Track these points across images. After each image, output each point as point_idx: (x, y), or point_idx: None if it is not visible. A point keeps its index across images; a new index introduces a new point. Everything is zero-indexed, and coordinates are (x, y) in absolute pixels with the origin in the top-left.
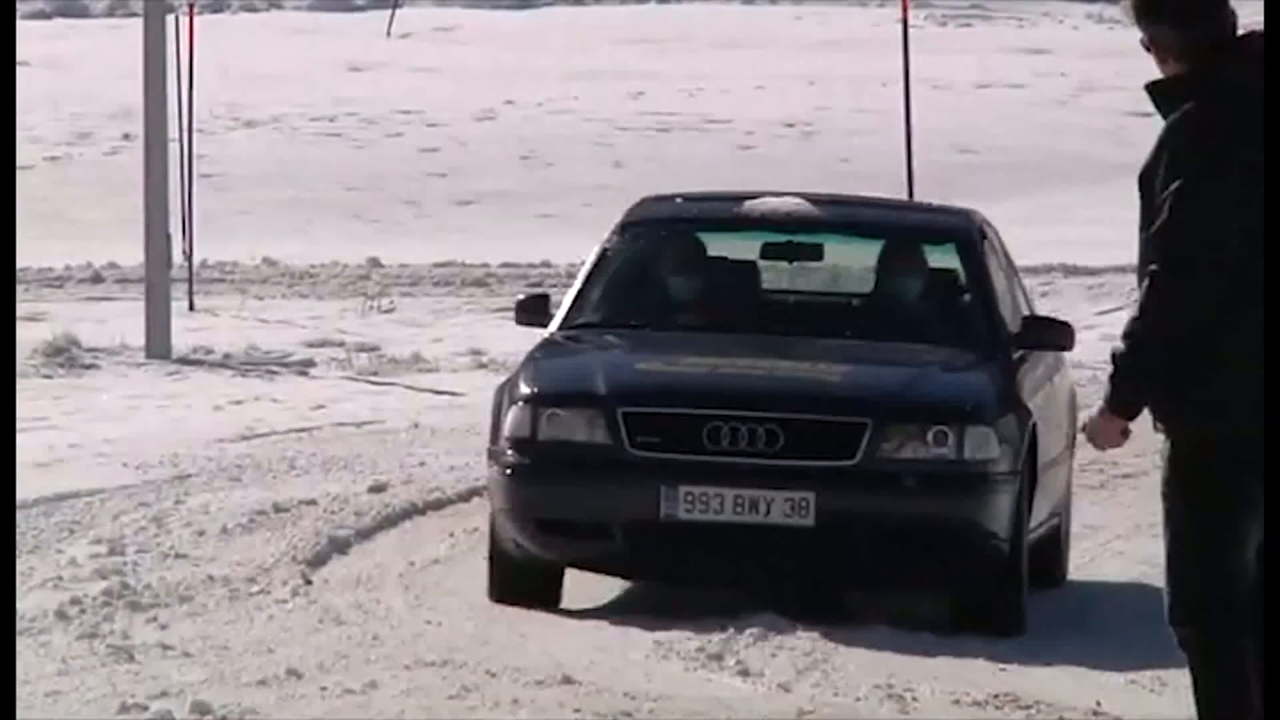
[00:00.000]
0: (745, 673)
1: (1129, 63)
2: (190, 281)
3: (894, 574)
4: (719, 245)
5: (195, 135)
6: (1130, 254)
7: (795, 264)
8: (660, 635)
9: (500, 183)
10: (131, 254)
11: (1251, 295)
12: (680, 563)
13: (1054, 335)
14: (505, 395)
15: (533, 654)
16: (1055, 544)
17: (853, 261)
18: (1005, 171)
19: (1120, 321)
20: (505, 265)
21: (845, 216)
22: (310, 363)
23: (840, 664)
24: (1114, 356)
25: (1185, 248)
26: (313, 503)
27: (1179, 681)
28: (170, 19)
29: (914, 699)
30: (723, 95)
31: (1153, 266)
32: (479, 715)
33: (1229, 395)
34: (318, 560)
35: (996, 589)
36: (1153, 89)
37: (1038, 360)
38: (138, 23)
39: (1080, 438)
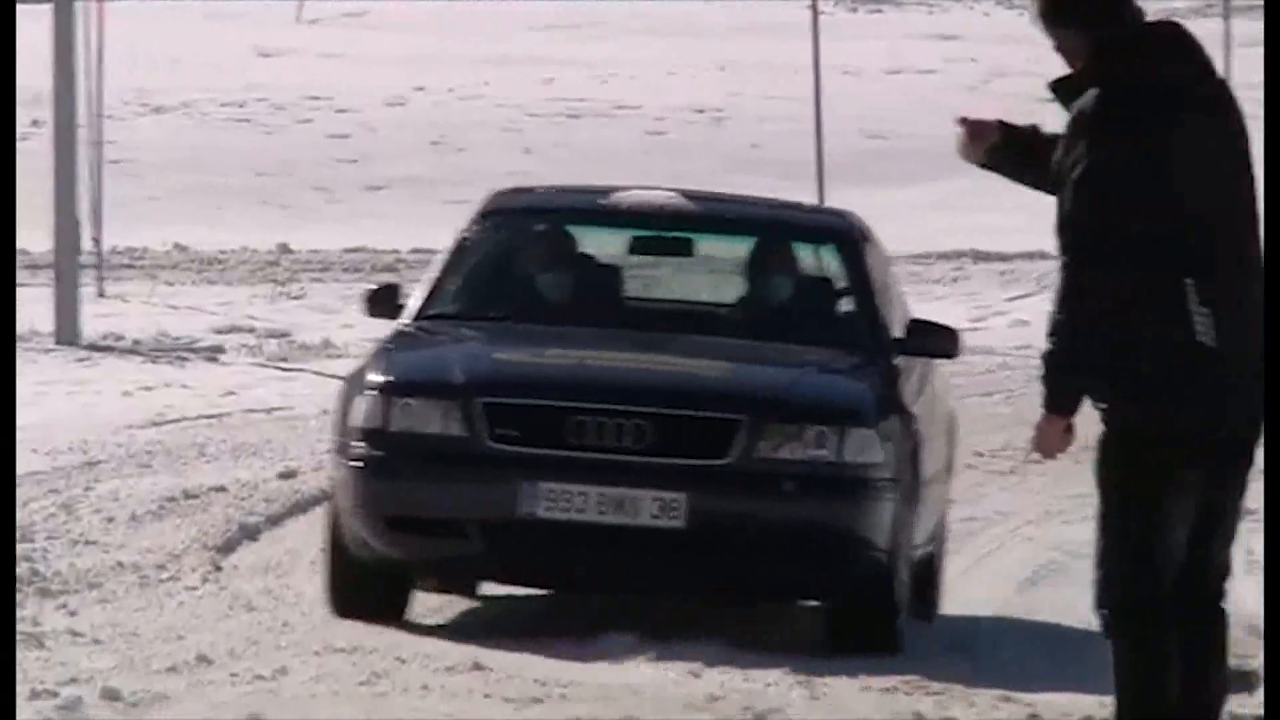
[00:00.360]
0: (656, 659)
1: (1040, 49)
2: (100, 267)
3: (768, 582)
4: (585, 239)
5: (104, 121)
6: (1041, 241)
7: (670, 259)
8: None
9: (410, 169)
10: (40, 240)
11: (1199, 273)
12: (539, 566)
13: (939, 341)
14: (353, 385)
15: (443, 640)
16: (931, 573)
17: (735, 261)
18: (916, 157)
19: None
20: (415, 251)
21: (719, 213)
22: (220, 349)
23: (750, 649)
24: (1043, 357)
25: (1091, 233)
26: (223, 489)
27: (1094, 665)
28: (80, 5)
29: (823, 684)
30: (633, 81)
31: (1063, 256)
32: (390, 701)
33: (1162, 378)
34: (228, 547)
35: (872, 603)
36: (1056, 86)
37: (920, 372)
38: (47, 9)
39: (958, 463)
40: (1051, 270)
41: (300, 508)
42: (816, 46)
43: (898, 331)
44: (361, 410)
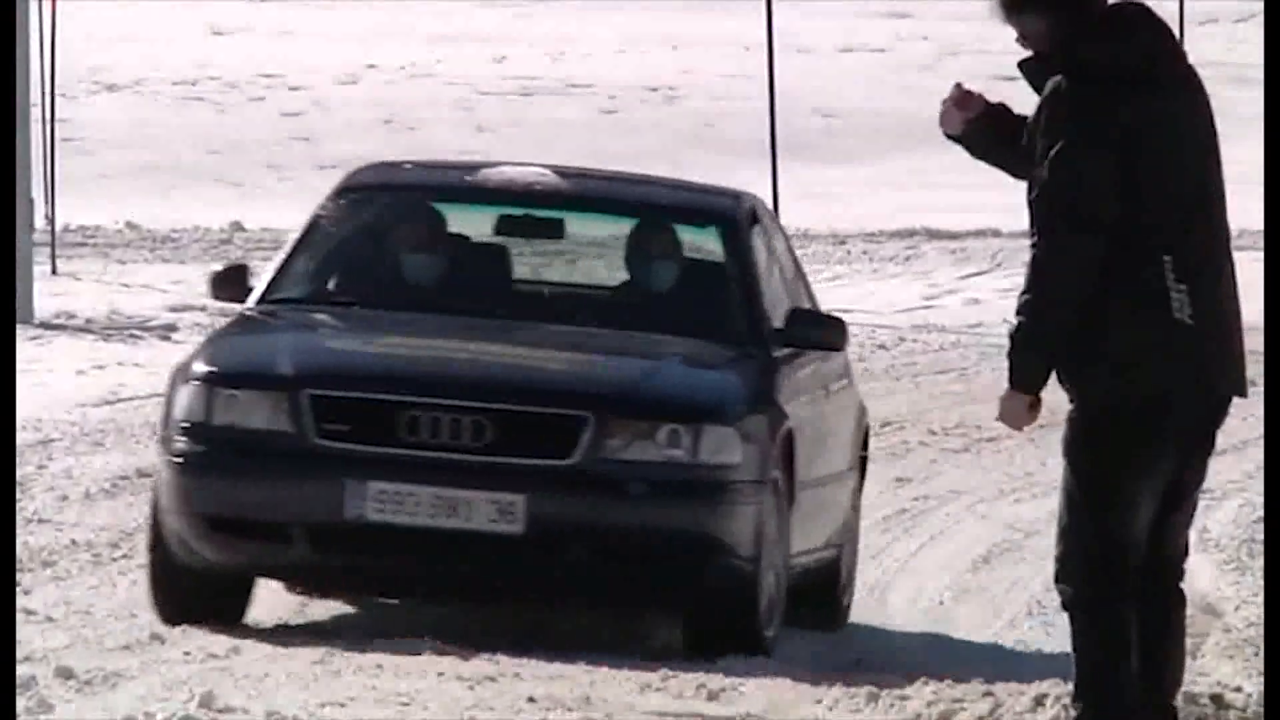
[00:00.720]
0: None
1: (992, 27)
2: (53, 245)
3: (616, 591)
4: (452, 219)
5: (57, 99)
6: (993, 219)
7: (541, 241)
8: None
9: (362, 147)
10: None
11: (1176, 250)
12: (368, 573)
13: (823, 332)
14: (178, 375)
15: (398, 619)
16: (832, 580)
17: (616, 245)
18: (868, 135)
19: (983, 286)
20: None
21: (593, 192)
22: (173, 327)
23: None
24: (1010, 334)
25: (1065, 212)
26: None
27: (1044, 645)
28: None
29: (775, 663)
30: (585, 59)
31: (1034, 236)
32: (344, 680)
33: (1133, 357)
34: None
35: (734, 615)
36: (1024, 66)
37: (812, 367)
38: None
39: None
40: (1003, 249)
41: None
42: (770, 24)
43: (782, 322)
44: (183, 402)
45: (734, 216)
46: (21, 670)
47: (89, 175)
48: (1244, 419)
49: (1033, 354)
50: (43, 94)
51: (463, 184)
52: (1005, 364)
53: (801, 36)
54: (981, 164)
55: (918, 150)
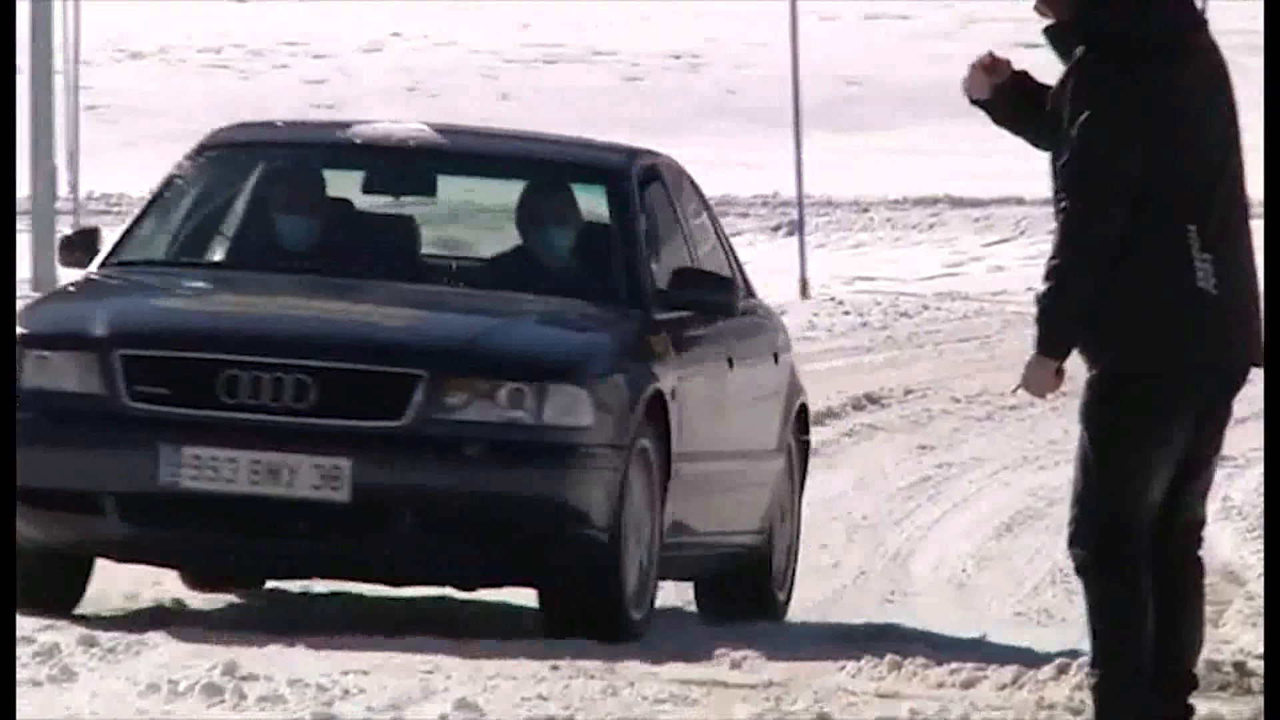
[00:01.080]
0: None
1: None
2: (76, 214)
3: (452, 564)
4: (320, 178)
5: (81, 67)
6: (1017, 187)
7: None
8: None
9: (386, 114)
10: (18, 186)
11: (1200, 220)
12: (183, 545)
13: (711, 291)
14: None
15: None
16: (758, 569)
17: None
18: (891, 103)
19: (1007, 253)
20: None
21: (469, 149)
22: None
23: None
24: (1038, 298)
25: (1092, 180)
26: None
27: (1066, 614)
28: None
29: (801, 631)
30: (609, 26)
31: (1063, 202)
32: (366, 647)
33: (1155, 326)
34: None
35: (593, 592)
36: (1049, 33)
37: (715, 335)
38: None
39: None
40: (1027, 216)
41: None
42: None
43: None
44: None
45: (620, 174)
46: (44, 638)
47: (113, 143)
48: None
49: (1061, 319)
50: (66, 62)
51: (331, 141)
52: (1029, 332)
53: (825, 4)
54: (1004, 132)
55: (941, 118)
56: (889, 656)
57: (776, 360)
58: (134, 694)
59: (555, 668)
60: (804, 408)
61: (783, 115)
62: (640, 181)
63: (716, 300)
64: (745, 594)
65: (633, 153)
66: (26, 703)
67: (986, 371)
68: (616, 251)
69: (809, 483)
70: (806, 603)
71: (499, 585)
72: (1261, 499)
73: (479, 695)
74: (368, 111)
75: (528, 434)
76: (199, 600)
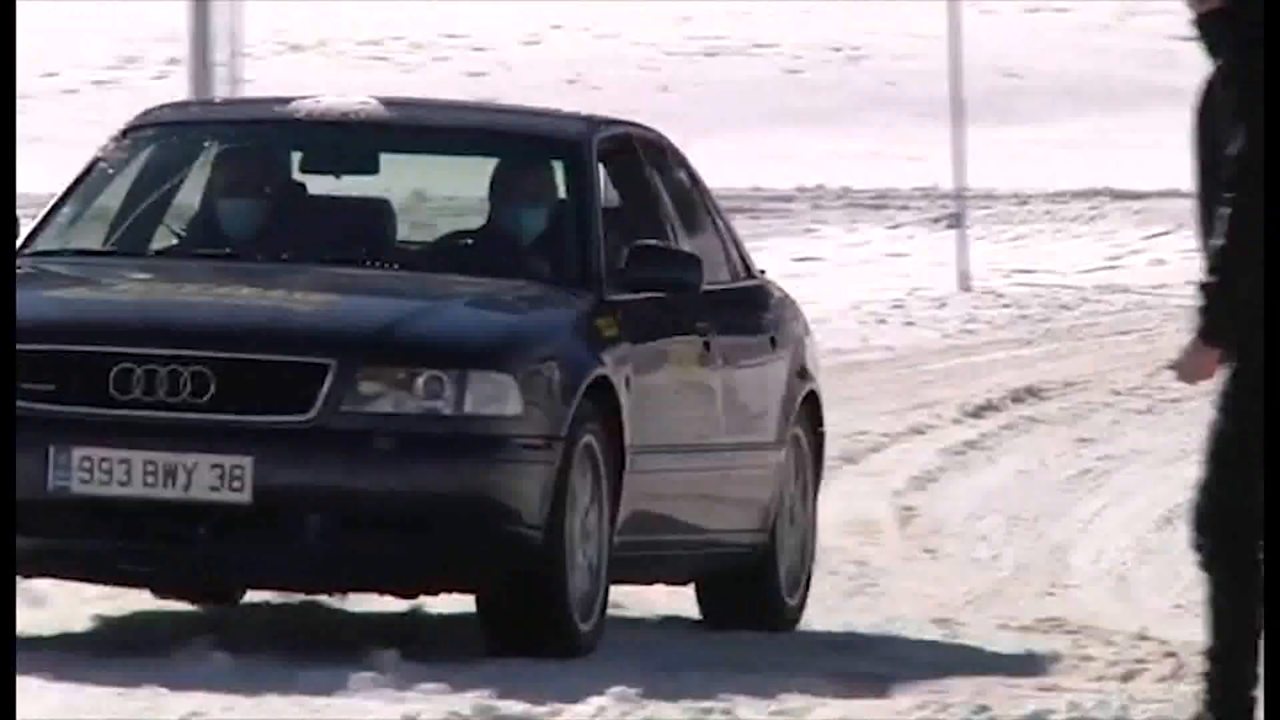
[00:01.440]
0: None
1: None
2: None
3: (367, 570)
4: (255, 158)
5: (242, 59)
6: (1177, 179)
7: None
8: None
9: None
10: None
11: None
12: (76, 554)
13: (670, 269)
14: None
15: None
16: (760, 573)
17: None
18: (1051, 95)
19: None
20: None
21: (415, 122)
22: None
23: (887, 586)
24: (1202, 286)
25: (1262, 170)
26: None
27: None
28: None
29: (960, 624)
30: (770, 18)
31: (1230, 191)
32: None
33: None
34: None
35: (530, 598)
36: (1203, 24)
37: (690, 318)
38: None
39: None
40: (1188, 209)
41: None
42: None
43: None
44: None
45: (576, 146)
46: None
47: None
48: None
49: (1226, 308)
50: (228, 54)
51: (264, 117)
52: (1191, 322)
53: None
54: (1165, 124)
55: (1101, 110)
56: (1052, 649)
57: (774, 345)
58: None
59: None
60: (813, 396)
61: (943, 108)
62: (604, 155)
63: (676, 278)
64: (748, 598)
65: (596, 123)
66: None
67: (1147, 364)
68: (569, 229)
69: (974, 477)
70: (967, 595)
71: (421, 593)
72: None
73: None
74: (528, 103)
75: (447, 426)
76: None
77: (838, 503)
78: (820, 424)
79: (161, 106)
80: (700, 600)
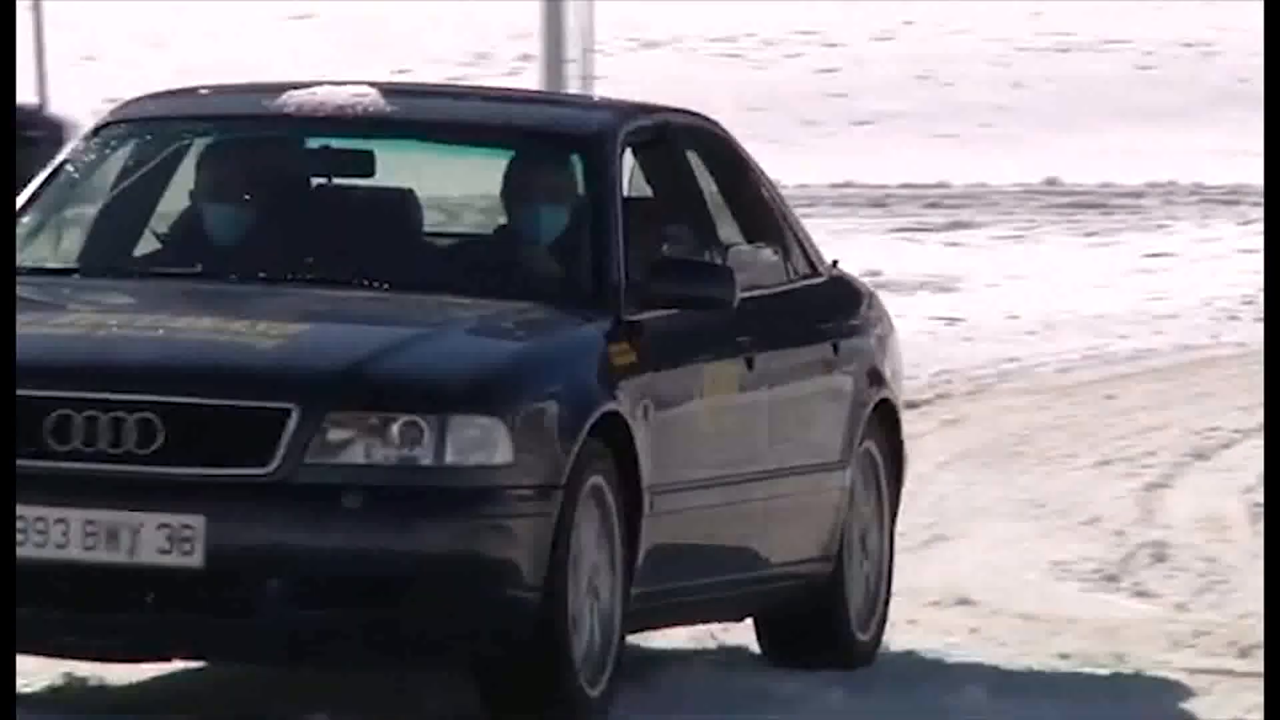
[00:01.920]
0: (1142, 593)
1: None
2: None
3: (334, 642)
4: (248, 158)
5: (595, 56)
6: None
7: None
8: (1057, 556)
9: (898, 103)
10: None
11: None
12: (14, 623)
13: (695, 285)
14: None
15: (929, 574)
16: (827, 606)
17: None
18: None
19: None
20: (904, 186)
21: (413, 117)
22: None
23: (1238, 583)
24: None
25: None
26: None
27: None
28: None
29: None
30: (1122, 14)
31: None
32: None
33: None
34: None
35: (530, 667)
36: None
37: (725, 325)
38: None
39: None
40: None
41: None
42: None
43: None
44: None
45: (594, 142)
46: None
47: None
48: None
49: None
50: (580, 50)
51: (253, 112)
52: None
53: None
54: None
55: None
56: None
57: (836, 350)
58: None
59: None
60: (886, 405)
61: None
62: (636, 148)
63: (703, 295)
64: (814, 634)
65: (625, 112)
66: None
67: None
68: (585, 239)
69: None
70: None
71: (400, 667)
72: None
73: None
74: (879, 100)
75: (426, 478)
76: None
77: (1189, 499)
78: (898, 435)
79: (139, 99)
80: (759, 637)
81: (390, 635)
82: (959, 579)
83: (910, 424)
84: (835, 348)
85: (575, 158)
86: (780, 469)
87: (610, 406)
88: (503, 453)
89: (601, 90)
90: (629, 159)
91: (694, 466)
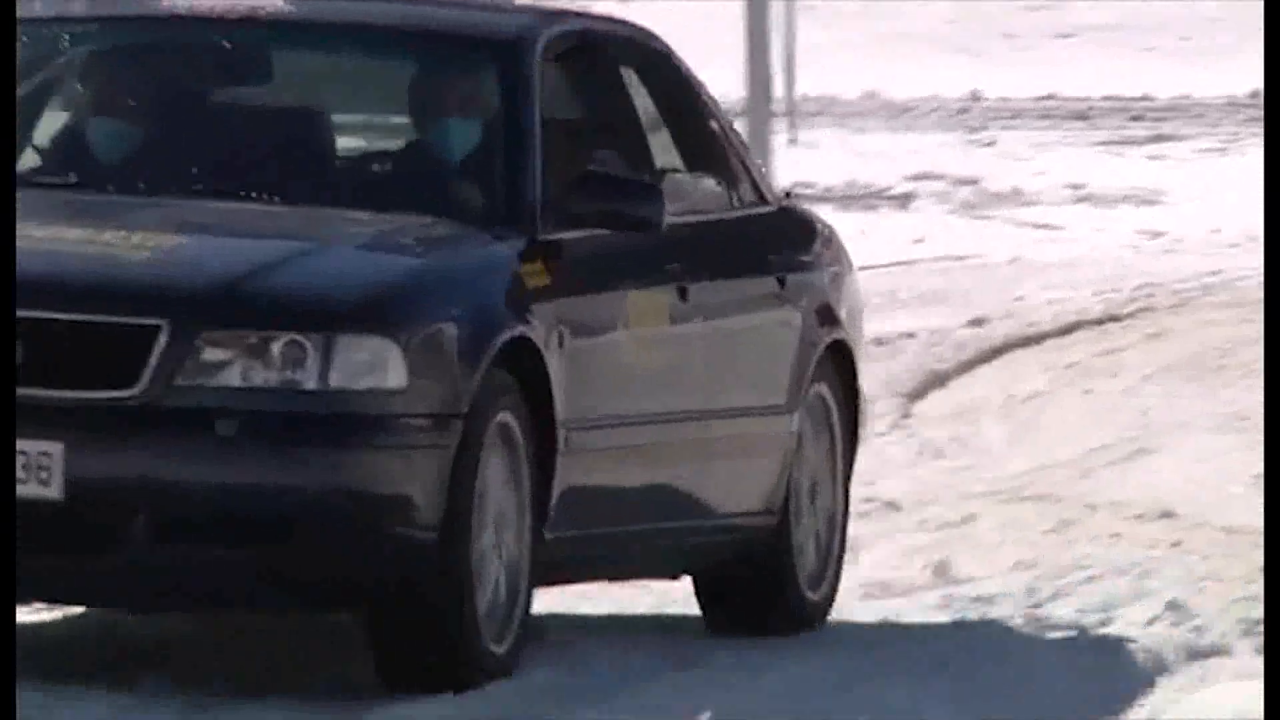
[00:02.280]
0: None
1: None
2: (791, 116)
3: (207, 586)
4: (134, 63)
5: None
6: None
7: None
8: (1260, 469)
9: (1101, 15)
10: (734, 88)
11: None
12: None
13: (620, 201)
14: None
15: (1132, 487)
16: (778, 559)
17: None
18: None
19: None
20: (1107, 98)
21: (317, 19)
22: (911, 196)
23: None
24: None
25: None
26: (912, 335)
27: None
28: None
29: None
30: None
31: None
32: (1078, 549)
33: None
34: (917, 393)
35: (421, 617)
36: None
37: (657, 250)
38: None
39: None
40: None
41: (989, 355)
42: None
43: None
44: None
45: (510, 47)
46: None
47: (829, 44)
48: None
49: None
50: None
51: (137, 14)
52: None
53: None
54: None
55: None
56: None
57: (783, 284)
58: None
59: None
60: (840, 346)
61: None
62: (559, 58)
63: (627, 213)
64: (758, 594)
65: (545, 18)
66: None
67: None
68: (498, 153)
69: None
70: None
71: (278, 608)
72: None
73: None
74: (1085, 11)
75: (309, 404)
76: (912, 498)
77: None
78: (854, 380)
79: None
80: (698, 596)
81: (267, 578)
82: (1162, 492)
83: (1113, 338)
84: (781, 281)
85: (489, 65)
86: (717, 409)
87: (519, 331)
88: (395, 377)
89: (806, 3)
90: (553, 71)
91: (617, 401)
